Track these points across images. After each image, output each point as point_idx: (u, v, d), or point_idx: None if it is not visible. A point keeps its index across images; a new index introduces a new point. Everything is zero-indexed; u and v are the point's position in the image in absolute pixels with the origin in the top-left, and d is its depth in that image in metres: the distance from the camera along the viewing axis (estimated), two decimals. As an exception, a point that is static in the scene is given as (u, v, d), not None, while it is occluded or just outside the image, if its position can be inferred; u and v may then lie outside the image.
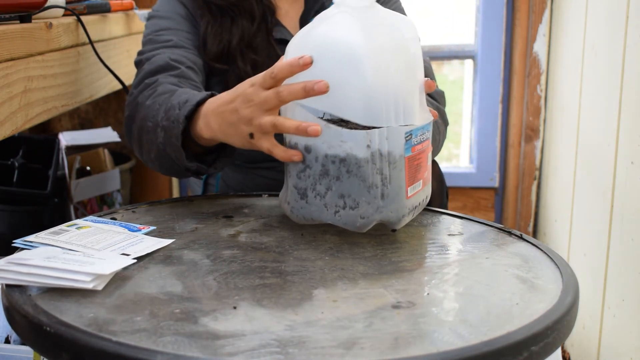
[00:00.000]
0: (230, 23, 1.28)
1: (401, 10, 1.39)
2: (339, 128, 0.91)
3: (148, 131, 1.09)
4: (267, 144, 0.94)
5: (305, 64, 0.88)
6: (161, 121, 1.06)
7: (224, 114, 0.97)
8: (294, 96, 0.90)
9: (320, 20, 0.94)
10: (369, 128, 0.90)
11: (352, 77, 0.90)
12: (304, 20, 1.33)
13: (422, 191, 0.97)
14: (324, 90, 0.88)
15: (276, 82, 0.91)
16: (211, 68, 1.28)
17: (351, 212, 0.93)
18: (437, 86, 1.26)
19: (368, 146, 0.90)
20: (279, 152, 0.94)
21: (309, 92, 0.88)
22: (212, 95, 1.03)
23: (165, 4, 1.31)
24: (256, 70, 1.26)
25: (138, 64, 1.25)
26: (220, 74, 1.29)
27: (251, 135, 0.95)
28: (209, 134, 1.00)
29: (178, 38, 1.25)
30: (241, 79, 1.24)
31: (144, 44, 1.27)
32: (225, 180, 1.38)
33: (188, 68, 1.21)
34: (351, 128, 0.91)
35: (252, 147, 0.97)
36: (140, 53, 1.26)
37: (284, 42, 1.29)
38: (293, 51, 0.93)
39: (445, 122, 1.26)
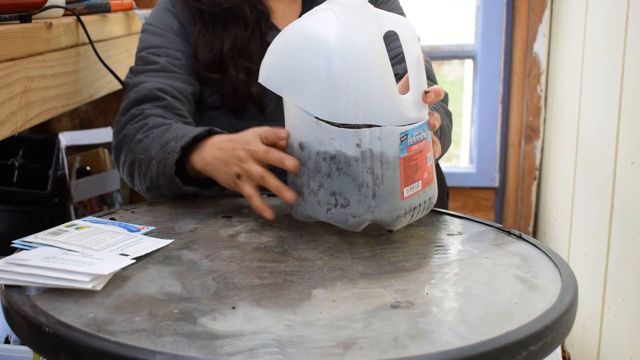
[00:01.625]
0: (222, 30, 1.28)
1: (399, 10, 1.38)
2: (328, 125, 0.92)
3: (140, 164, 1.14)
4: (250, 190, 1.02)
5: (282, 138, 0.98)
6: (156, 154, 1.11)
7: (222, 149, 1.04)
8: (273, 161, 0.98)
9: (307, 14, 0.96)
10: (357, 127, 0.91)
11: (319, 72, 0.91)
12: None
13: (422, 192, 0.97)
14: (290, 169, 0.96)
15: (271, 142, 1.00)
16: (205, 78, 1.28)
17: (342, 210, 0.94)
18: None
19: (358, 145, 0.91)
20: (256, 201, 1.01)
21: (280, 164, 0.97)
22: (210, 129, 1.09)
23: (158, 17, 1.31)
24: (249, 77, 1.26)
25: (126, 86, 1.27)
26: (215, 84, 1.29)
27: (238, 176, 1.02)
28: (201, 164, 1.07)
29: (167, 60, 1.26)
30: (235, 87, 1.25)
31: (136, 60, 1.30)
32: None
33: (174, 98, 1.23)
34: (341, 126, 0.91)
35: (234, 187, 1.04)
36: (131, 71, 1.29)
37: None
38: (275, 40, 0.98)
39: (452, 123, 1.26)
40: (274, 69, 0.96)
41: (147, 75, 1.24)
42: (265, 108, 1.30)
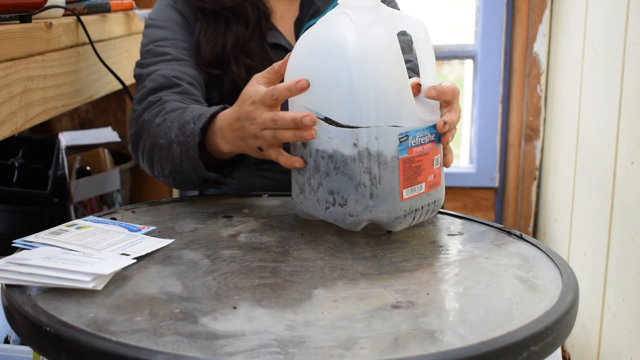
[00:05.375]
0: (224, 28, 1.28)
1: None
2: (326, 124, 0.92)
3: (161, 148, 1.12)
4: (274, 153, 1.00)
5: (301, 89, 0.94)
6: (176, 137, 1.09)
7: (235, 131, 1.02)
8: (286, 123, 0.95)
9: (322, 20, 0.96)
10: (355, 125, 0.91)
11: (338, 77, 0.91)
12: (299, 24, 1.32)
13: (425, 195, 0.96)
14: (305, 87, 0.93)
15: (276, 102, 0.96)
16: (206, 73, 1.28)
17: (340, 209, 0.94)
18: None
19: (355, 144, 0.91)
20: (283, 159, 1.00)
21: (293, 120, 0.93)
22: (224, 108, 1.07)
23: (161, 12, 1.31)
24: (250, 74, 1.26)
25: (138, 78, 1.26)
26: (215, 79, 1.29)
27: (260, 148, 1.00)
28: (228, 147, 1.05)
29: (176, 51, 1.26)
30: (235, 84, 1.26)
31: (143, 54, 1.29)
32: (224, 181, 1.38)
33: (189, 84, 1.23)
34: (339, 125, 0.92)
35: (264, 157, 1.03)
36: (139, 65, 1.27)
37: (278, 47, 1.30)
38: (295, 48, 0.97)
39: None
40: (296, 76, 0.95)
41: (159, 65, 1.24)
42: None
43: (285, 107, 0.99)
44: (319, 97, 0.93)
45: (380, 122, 0.91)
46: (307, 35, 0.96)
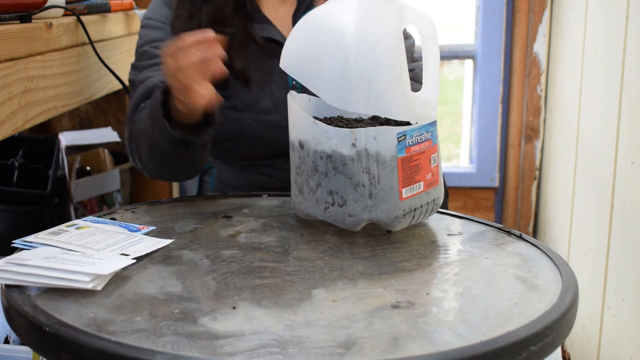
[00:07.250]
0: (202, 3, 1.28)
1: None
2: (324, 124, 0.92)
3: (141, 131, 1.14)
4: (188, 79, 1.00)
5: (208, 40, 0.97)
6: (149, 114, 1.10)
7: (172, 86, 1.04)
8: (189, 43, 0.99)
9: (329, 2, 0.97)
10: (353, 125, 0.91)
11: (334, 60, 0.92)
12: (296, 19, 1.33)
13: (424, 194, 0.97)
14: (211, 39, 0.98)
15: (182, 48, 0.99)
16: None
17: (339, 210, 0.94)
18: None
19: (353, 144, 0.91)
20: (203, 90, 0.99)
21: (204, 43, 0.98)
22: None
23: (155, 11, 1.33)
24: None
25: (132, 83, 1.27)
26: None
27: (178, 70, 1.00)
28: (179, 104, 1.04)
29: None
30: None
31: (138, 55, 1.29)
32: (221, 177, 1.38)
33: None
34: (338, 126, 0.92)
35: (185, 92, 1.01)
36: (134, 67, 1.28)
37: (272, 41, 1.29)
38: (297, 25, 0.98)
39: None
40: (294, 55, 0.96)
41: (153, 70, 1.24)
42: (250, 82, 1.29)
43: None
44: (312, 74, 0.93)
45: (369, 108, 0.91)
46: (310, 14, 0.97)
